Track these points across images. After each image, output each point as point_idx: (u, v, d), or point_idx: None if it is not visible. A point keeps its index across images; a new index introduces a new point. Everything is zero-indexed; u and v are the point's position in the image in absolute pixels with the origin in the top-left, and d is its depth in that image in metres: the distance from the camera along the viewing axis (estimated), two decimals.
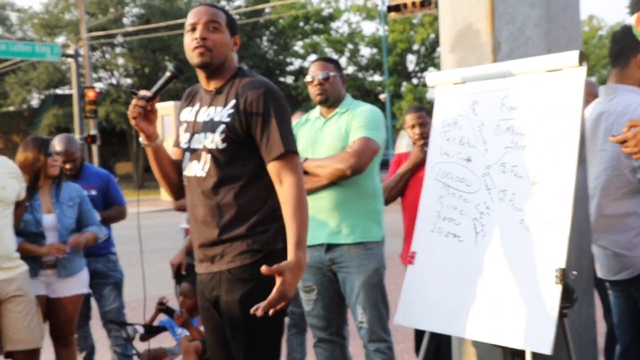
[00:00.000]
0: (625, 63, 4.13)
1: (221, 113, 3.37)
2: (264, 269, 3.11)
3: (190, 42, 3.39)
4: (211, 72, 3.43)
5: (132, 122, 3.39)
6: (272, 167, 3.31)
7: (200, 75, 3.48)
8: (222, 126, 3.34)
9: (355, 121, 4.56)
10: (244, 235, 3.34)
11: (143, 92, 3.40)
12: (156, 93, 3.42)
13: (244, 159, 3.36)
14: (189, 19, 3.42)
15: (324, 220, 4.53)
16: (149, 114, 3.40)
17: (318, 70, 4.68)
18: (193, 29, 3.39)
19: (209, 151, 3.36)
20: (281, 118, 3.33)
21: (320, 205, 4.52)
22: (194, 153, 3.43)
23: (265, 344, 3.36)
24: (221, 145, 3.34)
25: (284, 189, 3.27)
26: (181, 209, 5.93)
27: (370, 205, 4.60)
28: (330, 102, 4.68)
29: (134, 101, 3.38)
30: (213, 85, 3.47)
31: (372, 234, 4.58)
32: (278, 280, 3.12)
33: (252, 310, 3.14)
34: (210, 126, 3.38)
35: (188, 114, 3.54)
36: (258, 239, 3.34)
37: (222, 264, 3.35)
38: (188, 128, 3.50)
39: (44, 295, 5.25)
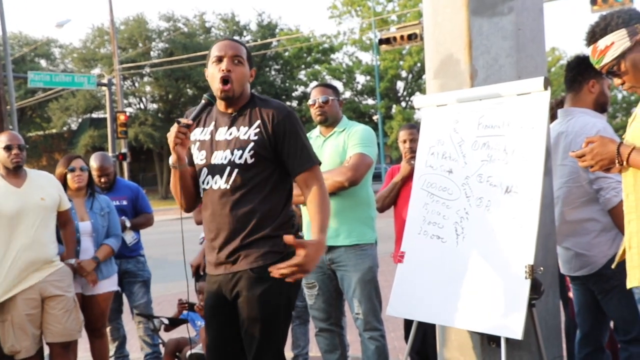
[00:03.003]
0: (578, 89, 4.16)
1: (248, 132, 3.31)
2: (289, 238, 3.08)
3: (216, 73, 3.33)
4: (232, 99, 3.36)
5: (172, 147, 3.27)
6: (303, 177, 3.32)
7: (221, 100, 3.41)
8: (252, 144, 3.29)
9: (352, 139, 4.57)
10: (265, 238, 3.29)
11: (184, 121, 3.29)
12: (194, 120, 3.33)
13: (267, 171, 3.32)
14: (216, 52, 3.35)
15: None
16: (185, 140, 3.30)
17: (319, 94, 4.69)
18: (219, 61, 3.33)
19: (238, 166, 3.29)
20: (305, 136, 3.38)
21: None
22: (216, 168, 3.35)
23: (278, 336, 3.33)
24: (250, 160, 3.28)
25: (313, 192, 3.30)
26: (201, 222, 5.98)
27: (365, 212, 4.61)
28: (329, 122, 4.69)
29: (176, 128, 3.25)
30: (231, 109, 3.40)
31: (367, 237, 4.58)
32: (301, 253, 3.07)
33: (270, 268, 3.10)
34: (238, 144, 3.31)
35: (201, 133, 3.46)
36: (277, 242, 3.27)
37: (245, 264, 3.28)
38: (203, 146, 3.43)
39: (79, 293, 5.29)
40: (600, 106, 4.17)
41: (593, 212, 3.96)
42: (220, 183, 3.33)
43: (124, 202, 6.10)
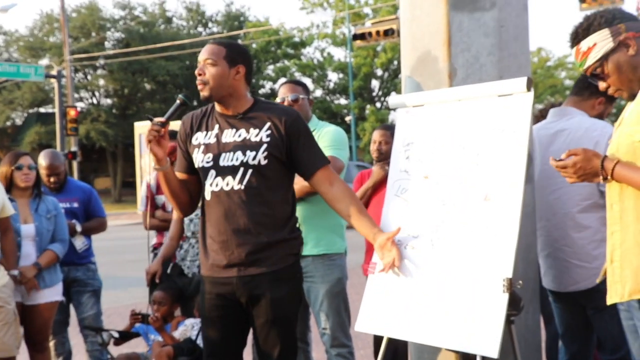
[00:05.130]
0: (587, 98, 4.21)
1: (260, 134, 3.58)
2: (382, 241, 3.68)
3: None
4: (221, 100, 3.65)
5: (147, 145, 3.55)
6: (322, 173, 3.68)
7: (217, 103, 3.69)
8: (265, 145, 3.55)
9: (322, 141, 4.58)
10: (285, 239, 3.64)
11: (157, 119, 3.56)
12: (168, 119, 3.59)
13: (279, 172, 3.63)
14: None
15: None
16: (160, 139, 3.57)
17: (288, 92, 4.71)
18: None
19: (251, 166, 3.55)
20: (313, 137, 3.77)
21: None
22: (226, 169, 3.58)
23: (295, 332, 3.75)
24: (264, 161, 3.55)
25: (338, 188, 3.70)
26: (154, 228, 5.93)
27: (334, 219, 4.61)
28: None
29: (150, 126, 3.54)
30: (233, 111, 3.66)
31: (336, 246, 4.60)
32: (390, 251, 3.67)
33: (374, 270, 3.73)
34: (250, 145, 3.57)
35: (204, 137, 3.68)
36: (295, 243, 3.70)
37: (268, 266, 3.59)
38: (209, 149, 3.64)
39: (19, 302, 5.18)
40: None
41: (595, 219, 3.96)
42: (233, 184, 3.57)
43: (75, 204, 6.06)
